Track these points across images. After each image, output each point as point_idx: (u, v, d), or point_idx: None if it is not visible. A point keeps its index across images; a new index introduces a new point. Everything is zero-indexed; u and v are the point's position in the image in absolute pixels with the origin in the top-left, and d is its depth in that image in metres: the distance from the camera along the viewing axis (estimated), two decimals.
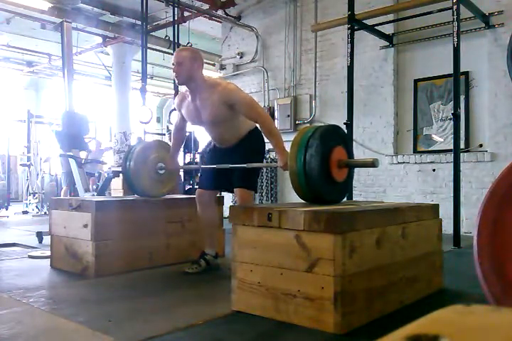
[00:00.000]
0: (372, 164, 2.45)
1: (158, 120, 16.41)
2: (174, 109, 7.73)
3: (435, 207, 2.68)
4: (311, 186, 2.27)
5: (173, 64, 2.85)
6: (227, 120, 2.88)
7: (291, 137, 8.15)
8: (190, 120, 3.03)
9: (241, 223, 2.14)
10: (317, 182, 2.26)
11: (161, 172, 3.45)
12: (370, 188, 6.16)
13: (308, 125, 6.88)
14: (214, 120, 2.88)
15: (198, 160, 9.70)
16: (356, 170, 5.72)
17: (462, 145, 4.98)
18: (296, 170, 2.27)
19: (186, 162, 10.99)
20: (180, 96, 3.06)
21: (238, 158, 2.93)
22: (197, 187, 3.39)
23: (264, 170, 7.26)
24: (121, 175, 8.03)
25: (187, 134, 11.56)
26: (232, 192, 3.22)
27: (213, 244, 3.22)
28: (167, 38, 7.16)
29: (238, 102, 2.79)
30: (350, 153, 2.55)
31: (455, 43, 4.24)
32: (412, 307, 2.19)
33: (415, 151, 5.90)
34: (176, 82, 2.90)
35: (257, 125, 3.00)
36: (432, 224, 2.58)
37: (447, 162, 5.34)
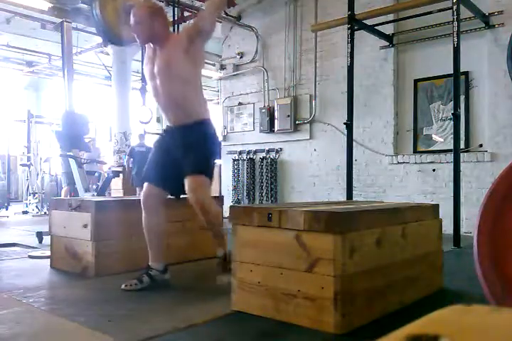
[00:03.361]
0: None
1: (158, 120, 16.37)
2: None
3: (435, 207, 2.68)
4: None
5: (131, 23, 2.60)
6: (182, 72, 2.55)
7: (292, 137, 8.14)
8: (147, 74, 2.66)
9: (241, 223, 2.14)
10: None
11: None
12: (370, 188, 6.16)
13: (308, 125, 6.89)
14: (167, 66, 2.54)
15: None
16: (356, 170, 5.74)
17: (462, 145, 4.98)
18: None
19: None
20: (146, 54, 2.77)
21: (188, 148, 2.57)
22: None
23: (265, 170, 7.26)
24: (121, 175, 8.04)
25: None
26: (178, 197, 2.81)
27: (160, 257, 2.75)
28: None
29: (188, 26, 2.60)
30: None
31: (455, 43, 4.24)
32: (412, 307, 2.19)
33: (415, 151, 5.90)
34: (138, 41, 2.66)
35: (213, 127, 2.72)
36: (432, 224, 2.58)
37: (447, 162, 5.34)
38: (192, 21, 2.62)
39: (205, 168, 2.59)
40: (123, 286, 2.60)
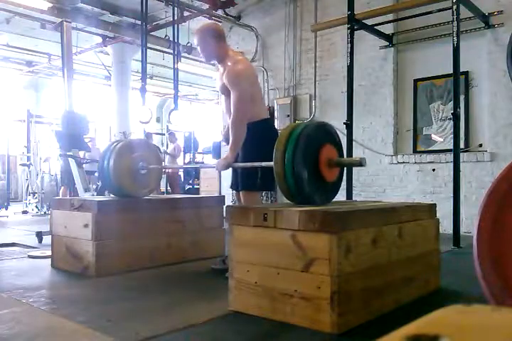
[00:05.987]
0: (360, 164, 2.37)
1: (158, 120, 16.40)
2: (174, 109, 7.73)
3: (432, 207, 2.67)
4: (297, 189, 2.18)
5: None
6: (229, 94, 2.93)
7: None
8: (218, 85, 3.11)
9: (237, 223, 2.14)
10: (304, 185, 2.16)
11: (143, 172, 3.37)
12: (370, 188, 6.16)
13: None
14: (221, 90, 2.99)
15: (197, 160, 9.60)
16: (356, 169, 5.73)
17: (462, 145, 4.98)
18: (283, 173, 2.17)
19: (186, 161, 10.95)
20: None
21: (240, 155, 2.93)
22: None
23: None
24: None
25: (187, 134, 11.45)
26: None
27: None
28: (167, 37, 7.15)
29: (230, 86, 2.84)
30: (340, 151, 2.43)
31: (455, 43, 4.24)
32: (409, 307, 2.19)
33: (415, 151, 5.90)
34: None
35: (265, 117, 3.06)
36: (429, 224, 2.58)
37: (447, 162, 5.34)
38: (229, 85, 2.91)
39: (250, 182, 2.93)
40: (213, 266, 3.09)
